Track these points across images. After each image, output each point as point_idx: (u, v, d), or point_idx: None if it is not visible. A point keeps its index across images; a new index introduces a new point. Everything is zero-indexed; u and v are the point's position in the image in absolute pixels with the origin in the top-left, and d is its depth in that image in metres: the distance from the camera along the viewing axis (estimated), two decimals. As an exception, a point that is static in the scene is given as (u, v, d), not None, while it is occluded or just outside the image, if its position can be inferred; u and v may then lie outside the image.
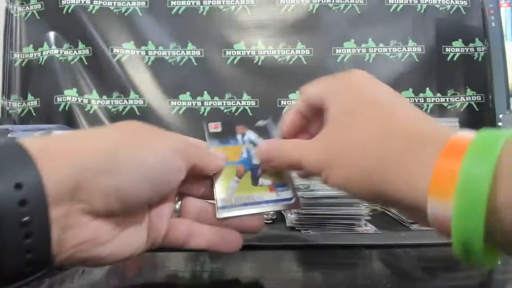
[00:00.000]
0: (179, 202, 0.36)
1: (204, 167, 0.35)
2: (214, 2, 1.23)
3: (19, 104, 1.23)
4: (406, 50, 1.20)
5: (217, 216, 0.35)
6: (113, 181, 0.27)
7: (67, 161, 0.25)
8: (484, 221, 0.21)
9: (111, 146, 0.28)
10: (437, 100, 1.19)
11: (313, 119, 0.38)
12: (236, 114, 1.20)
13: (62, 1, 1.21)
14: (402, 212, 0.29)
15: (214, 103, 1.21)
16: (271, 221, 0.57)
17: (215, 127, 0.44)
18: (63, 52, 1.22)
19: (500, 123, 0.93)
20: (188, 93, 1.21)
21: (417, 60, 1.20)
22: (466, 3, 1.20)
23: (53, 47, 1.22)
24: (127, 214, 0.30)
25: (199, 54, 1.22)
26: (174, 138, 0.33)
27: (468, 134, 0.24)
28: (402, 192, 0.25)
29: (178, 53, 1.22)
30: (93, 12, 1.21)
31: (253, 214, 0.36)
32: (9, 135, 0.98)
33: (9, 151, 0.23)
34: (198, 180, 0.37)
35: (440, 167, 0.23)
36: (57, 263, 0.25)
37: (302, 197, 0.53)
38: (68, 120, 1.19)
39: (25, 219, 0.22)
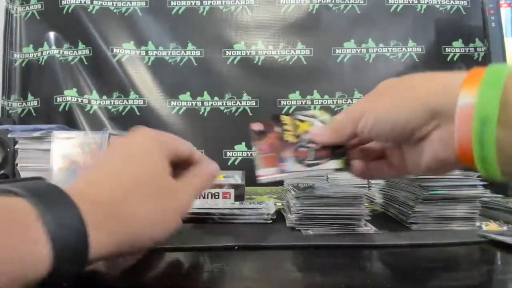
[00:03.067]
0: None
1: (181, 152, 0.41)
2: (214, 2, 1.23)
3: (19, 104, 1.23)
4: (406, 50, 1.21)
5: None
6: (130, 229, 0.32)
7: (101, 205, 0.31)
8: (499, 101, 0.30)
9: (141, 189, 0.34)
10: (437, 100, 1.19)
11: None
12: (236, 114, 1.20)
13: (62, 1, 1.21)
14: (431, 137, 0.35)
15: (214, 103, 1.21)
16: (271, 221, 0.57)
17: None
18: (63, 52, 1.22)
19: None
20: (188, 93, 1.21)
21: (417, 60, 1.20)
22: (466, 3, 1.20)
23: (53, 47, 1.22)
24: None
25: (199, 54, 1.22)
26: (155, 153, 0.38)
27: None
28: (440, 98, 0.35)
29: (178, 53, 1.22)
30: (93, 12, 1.21)
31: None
32: (9, 135, 0.98)
33: (64, 204, 0.29)
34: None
35: (469, 76, 0.33)
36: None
37: (302, 197, 0.53)
38: (68, 120, 1.19)
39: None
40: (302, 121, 0.50)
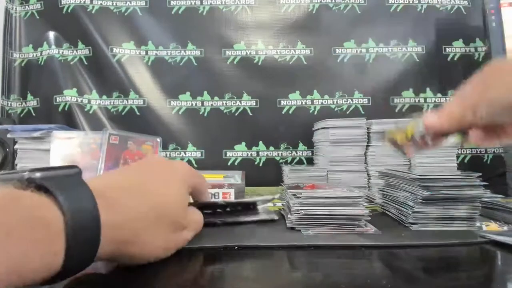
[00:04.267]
0: None
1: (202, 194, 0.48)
2: (214, 2, 1.23)
3: (19, 104, 1.23)
4: (406, 50, 1.20)
5: None
6: (136, 251, 0.36)
7: (119, 211, 0.34)
8: None
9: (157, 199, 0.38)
10: (437, 100, 1.19)
11: None
12: (236, 114, 1.20)
13: (62, 1, 1.21)
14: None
15: (214, 103, 1.21)
16: (271, 221, 0.57)
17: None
18: (62, 52, 1.22)
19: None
20: (188, 93, 1.21)
21: (417, 60, 1.20)
22: (467, 3, 1.20)
23: (53, 47, 1.22)
24: None
25: (199, 54, 1.22)
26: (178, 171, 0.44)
27: None
28: None
29: (178, 53, 1.22)
30: (93, 12, 1.21)
31: None
32: (8, 135, 0.98)
33: (87, 202, 0.30)
34: None
35: None
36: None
37: (302, 195, 0.53)
38: (68, 120, 1.19)
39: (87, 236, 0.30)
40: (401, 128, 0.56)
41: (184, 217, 0.41)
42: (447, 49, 1.20)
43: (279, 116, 1.19)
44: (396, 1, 1.21)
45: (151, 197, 0.37)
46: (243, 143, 1.18)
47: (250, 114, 1.19)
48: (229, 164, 1.17)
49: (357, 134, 0.92)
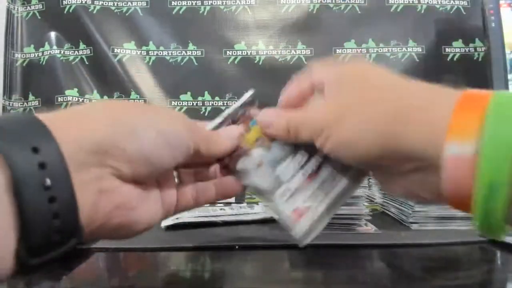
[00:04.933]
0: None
1: (207, 149, 0.34)
2: (215, 2, 1.23)
3: (20, 104, 1.23)
4: (406, 50, 1.21)
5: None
6: (137, 146, 0.27)
7: (83, 128, 0.25)
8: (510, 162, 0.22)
9: (124, 115, 0.29)
10: (438, 100, 1.19)
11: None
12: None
13: (63, 1, 1.21)
14: (409, 177, 0.27)
15: (215, 103, 1.21)
16: (271, 221, 0.58)
17: None
18: (64, 52, 1.22)
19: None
20: (188, 93, 1.21)
21: (417, 60, 1.20)
22: (466, 3, 1.20)
23: (54, 47, 1.22)
24: (149, 179, 0.30)
25: (199, 54, 1.22)
26: (181, 114, 0.34)
27: (479, 91, 0.26)
28: (417, 141, 0.26)
29: (179, 53, 1.22)
30: (94, 12, 1.21)
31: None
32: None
33: (23, 119, 0.23)
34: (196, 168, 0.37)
35: (461, 110, 0.24)
36: (87, 233, 0.25)
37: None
38: (69, 120, 1.19)
39: (47, 182, 0.21)
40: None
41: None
42: (447, 49, 1.20)
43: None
44: (396, 1, 1.21)
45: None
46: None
47: (251, 114, 1.20)
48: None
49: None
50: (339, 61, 0.34)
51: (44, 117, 0.24)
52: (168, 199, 0.33)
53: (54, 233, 0.22)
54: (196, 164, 0.37)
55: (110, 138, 0.26)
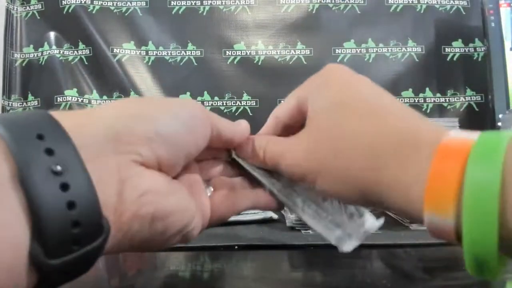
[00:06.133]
0: (209, 187, 0.35)
1: (228, 134, 0.32)
2: (214, 2, 1.23)
3: (20, 104, 1.23)
4: (406, 50, 1.21)
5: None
6: (151, 126, 0.25)
7: (94, 118, 0.24)
8: (497, 232, 0.20)
9: (136, 103, 0.28)
10: (437, 100, 1.19)
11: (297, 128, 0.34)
12: (236, 114, 1.20)
13: (63, 1, 1.21)
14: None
15: (214, 103, 1.21)
16: (271, 220, 0.58)
17: None
18: (63, 52, 1.22)
19: (499, 123, 0.93)
20: (188, 93, 1.21)
21: (417, 60, 1.20)
22: (466, 3, 1.20)
23: (54, 47, 1.22)
24: (174, 168, 0.28)
25: (199, 54, 1.22)
26: (194, 101, 0.33)
27: (461, 136, 0.23)
28: (395, 201, 0.25)
29: (178, 53, 1.22)
30: (93, 12, 1.21)
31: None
32: None
33: (27, 112, 0.22)
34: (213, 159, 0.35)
35: (436, 175, 0.22)
36: (119, 232, 0.22)
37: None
38: (68, 120, 1.19)
39: (57, 167, 0.19)
40: None
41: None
42: (447, 49, 1.20)
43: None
44: (396, 1, 1.21)
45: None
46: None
47: (250, 114, 1.20)
48: (229, 164, 1.17)
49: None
50: (318, 76, 0.33)
51: (50, 112, 0.22)
52: (200, 205, 0.30)
53: (73, 226, 0.19)
54: (210, 154, 0.34)
55: (124, 123, 0.24)
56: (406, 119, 0.27)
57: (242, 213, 0.59)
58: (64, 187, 0.19)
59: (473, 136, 0.22)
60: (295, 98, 0.33)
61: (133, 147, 0.24)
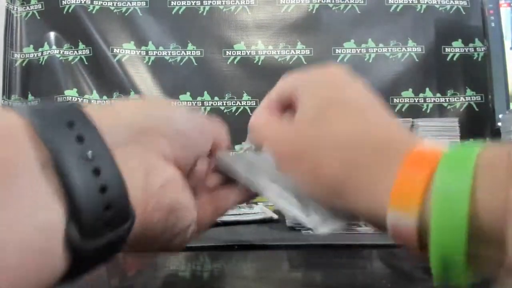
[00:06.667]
0: None
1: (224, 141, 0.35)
2: (214, 2, 1.23)
3: (20, 104, 1.23)
4: (406, 50, 1.21)
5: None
6: (170, 124, 0.27)
7: (117, 112, 0.25)
8: (466, 235, 0.20)
9: (154, 103, 0.29)
10: (437, 100, 1.19)
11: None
12: (236, 114, 1.20)
13: (63, 1, 1.21)
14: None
15: (214, 103, 1.21)
16: (271, 221, 0.58)
17: None
18: (63, 52, 1.22)
19: (499, 123, 0.93)
20: (188, 93, 1.21)
21: (417, 60, 1.20)
22: (466, 3, 1.20)
23: (54, 47, 1.22)
24: (184, 168, 0.29)
25: (199, 54, 1.22)
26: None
27: (432, 146, 0.23)
28: (360, 204, 0.25)
29: (178, 53, 1.22)
30: (93, 12, 1.21)
31: None
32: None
33: (58, 103, 0.22)
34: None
35: (403, 178, 0.22)
36: (142, 220, 0.23)
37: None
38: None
39: (88, 153, 0.19)
40: None
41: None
42: (447, 49, 1.20)
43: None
44: (396, 1, 1.21)
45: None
46: (243, 143, 1.18)
47: (250, 114, 1.19)
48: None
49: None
50: (317, 72, 0.33)
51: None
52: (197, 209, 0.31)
53: (106, 210, 0.19)
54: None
55: (146, 119, 0.25)
56: (385, 127, 0.28)
57: (242, 213, 0.59)
58: (96, 172, 0.19)
59: (443, 146, 0.23)
60: (290, 85, 0.34)
61: (156, 141, 0.25)
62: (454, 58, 1.20)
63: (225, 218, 0.57)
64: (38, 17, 1.24)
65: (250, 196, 0.35)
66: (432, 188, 0.21)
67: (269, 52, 1.22)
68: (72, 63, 1.22)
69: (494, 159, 0.21)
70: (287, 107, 0.35)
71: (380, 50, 1.21)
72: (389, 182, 0.23)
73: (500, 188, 0.20)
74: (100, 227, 0.19)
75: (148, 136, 0.25)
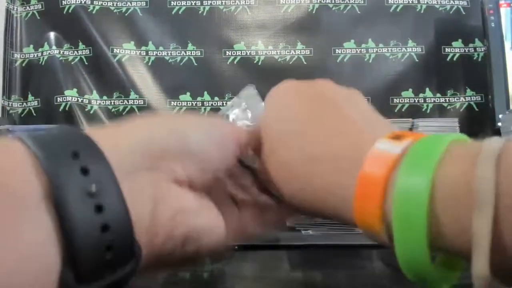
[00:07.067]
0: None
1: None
2: (214, 2, 1.23)
3: (20, 104, 1.23)
4: (406, 50, 1.21)
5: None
6: (183, 142, 0.25)
7: (126, 134, 0.23)
8: (426, 242, 0.19)
9: (168, 119, 0.27)
10: (437, 100, 1.19)
11: None
12: (236, 114, 1.20)
13: (63, 1, 1.21)
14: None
15: (214, 103, 1.21)
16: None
17: None
18: (63, 52, 1.22)
19: (499, 123, 0.93)
20: (188, 93, 1.21)
21: (417, 60, 1.20)
22: (466, 3, 1.20)
23: (54, 47, 1.22)
24: (203, 186, 0.27)
25: (199, 54, 1.22)
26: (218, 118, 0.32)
27: (387, 147, 0.22)
28: (332, 207, 0.25)
29: (178, 53, 1.22)
30: (94, 12, 1.21)
31: None
32: (9, 136, 0.98)
33: (61, 129, 0.21)
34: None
35: (361, 190, 0.22)
36: (152, 253, 0.21)
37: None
38: (68, 120, 1.19)
39: (92, 188, 0.18)
40: None
41: None
42: (447, 49, 1.20)
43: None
44: (396, 1, 1.21)
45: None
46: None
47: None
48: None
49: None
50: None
51: (83, 129, 0.22)
52: (231, 225, 0.29)
53: (106, 251, 0.18)
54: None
55: (157, 139, 0.24)
56: (361, 132, 0.27)
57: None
58: (99, 209, 0.18)
59: (404, 145, 0.22)
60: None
61: (166, 163, 0.23)
62: (454, 58, 1.20)
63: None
64: (38, 17, 1.24)
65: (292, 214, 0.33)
66: (392, 194, 0.20)
67: (269, 52, 1.22)
68: (72, 63, 1.22)
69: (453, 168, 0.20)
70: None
71: (380, 50, 1.21)
72: (352, 190, 0.22)
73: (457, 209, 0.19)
74: (99, 270, 0.18)
75: (159, 160, 0.23)
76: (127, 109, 1.20)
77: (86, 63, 1.22)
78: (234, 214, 0.30)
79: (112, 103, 1.21)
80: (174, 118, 0.29)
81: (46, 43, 1.22)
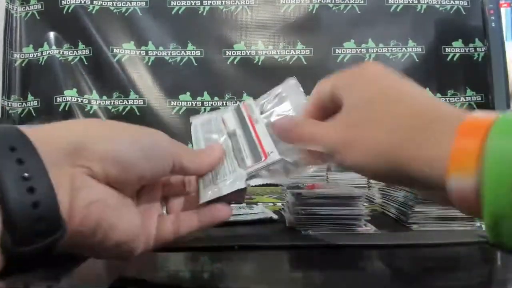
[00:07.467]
0: (164, 207, 0.36)
1: (192, 169, 0.35)
2: (214, 2, 1.23)
3: (19, 104, 1.23)
4: (406, 50, 1.21)
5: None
6: (106, 146, 0.29)
7: (58, 134, 0.28)
8: None
9: (101, 124, 0.31)
10: (437, 100, 1.19)
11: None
12: (236, 114, 1.20)
13: (62, 1, 1.21)
14: (420, 192, 0.31)
15: (214, 103, 1.21)
16: (271, 221, 0.57)
17: None
18: (63, 52, 1.22)
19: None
20: (188, 93, 1.21)
21: (417, 60, 1.20)
22: (466, 4, 1.20)
23: (53, 47, 1.22)
24: (128, 188, 0.31)
25: (199, 54, 1.22)
26: (162, 133, 0.34)
27: (482, 115, 0.25)
28: (419, 170, 0.27)
29: (178, 53, 1.22)
30: (93, 12, 1.21)
31: None
32: None
33: (2, 128, 0.25)
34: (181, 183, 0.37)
35: (460, 144, 0.24)
36: (71, 233, 0.26)
37: (302, 194, 0.53)
38: (68, 120, 1.19)
39: (25, 174, 0.23)
40: None
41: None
42: (447, 49, 1.20)
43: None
44: (396, 1, 1.21)
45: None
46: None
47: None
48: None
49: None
50: (354, 70, 0.35)
51: (21, 128, 0.26)
52: (145, 230, 0.32)
53: (37, 222, 0.23)
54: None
55: (83, 141, 0.28)
56: (431, 105, 0.30)
57: (242, 213, 0.59)
58: (31, 190, 0.23)
59: (493, 116, 0.25)
60: (330, 87, 0.35)
61: (86, 162, 0.27)
62: (454, 58, 1.20)
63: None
64: (38, 17, 1.24)
65: (212, 223, 0.35)
66: (485, 151, 0.23)
67: (269, 52, 1.22)
68: (72, 63, 1.22)
69: None
70: (327, 111, 0.36)
71: (380, 50, 1.21)
72: (445, 151, 0.25)
73: None
74: (32, 236, 0.23)
75: (80, 157, 0.27)
76: (127, 109, 1.20)
77: (85, 63, 1.22)
78: (165, 219, 0.34)
79: (112, 103, 1.21)
80: (105, 124, 0.32)
81: (45, 43, 1.22)
